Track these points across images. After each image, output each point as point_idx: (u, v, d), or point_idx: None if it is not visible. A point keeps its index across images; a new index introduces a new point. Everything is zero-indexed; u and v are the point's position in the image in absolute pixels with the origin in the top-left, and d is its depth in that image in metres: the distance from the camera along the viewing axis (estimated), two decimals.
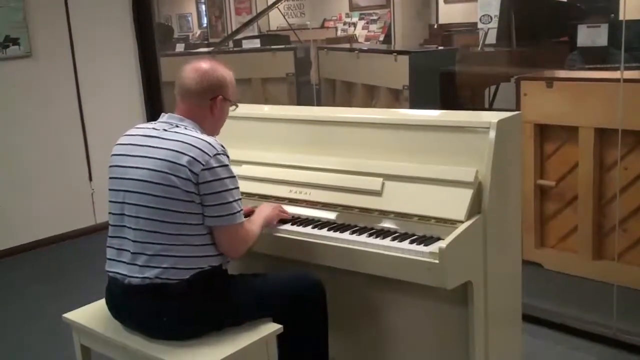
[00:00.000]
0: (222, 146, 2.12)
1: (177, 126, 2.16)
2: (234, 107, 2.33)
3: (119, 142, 2.23)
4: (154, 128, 2.18)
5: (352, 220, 2.36)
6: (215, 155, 2.06)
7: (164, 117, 2.23)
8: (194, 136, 2.11)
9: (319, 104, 7.13)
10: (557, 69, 4.56)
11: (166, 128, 2.16)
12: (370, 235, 2.24)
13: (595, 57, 4.38)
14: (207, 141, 2.09)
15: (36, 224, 4.78)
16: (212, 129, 2.25)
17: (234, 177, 2.12)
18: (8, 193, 4.65)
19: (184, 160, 2.03)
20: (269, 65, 6.98)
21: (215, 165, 2.05)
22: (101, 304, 2.31)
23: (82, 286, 3.84)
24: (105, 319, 2.26)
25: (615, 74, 3.23)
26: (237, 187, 2.13)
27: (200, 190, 2.05)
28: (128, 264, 2.10)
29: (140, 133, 2.20)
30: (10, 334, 3.51)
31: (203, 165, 2.04)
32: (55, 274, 4.30)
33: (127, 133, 2.24)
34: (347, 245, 2.23)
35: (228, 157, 2.13)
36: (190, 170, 2.03)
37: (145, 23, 5.18)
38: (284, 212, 2.46)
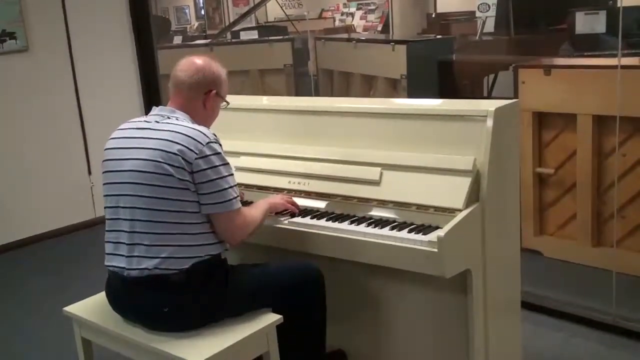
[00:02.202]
0: (215, 135, 2.13)
1: (168, 117, 2.17)
2: (225, 104, 2.34)
3: (112, 136, 2.24)
4: (145, 121, 2.20)
5: (351, 210, 2.36)
6: (208, 143, 2.07)
7: (155, 110, 2.24)
8: (186, 126, 2.12)
9: (317, 95, 7.12)
10: (556, 56, 4.55)
11: (158, 120, 2.17)
12: (368, 224, 2.24)
13: (591, 45, 4.37)
14: (199, 130, 2.10)
15: (36, 218, 4.78)
16: (203, 122, 2.25)
17: (227, 164, 2.13)
18: (7, 187, 4.65)
19: (176, 148, 2.04)
20: (266, 56, 6.96)
21: (208, 153, 2.06)
22: (101, 297, 2.31)
23: (82, 279, 3.84)
24: (105, 312, 2.26)
25: (613, 61, 3.23)
26: (232, 174, 2.14)
27: (195, 178, 2.05)
28: (126, 256, 2.11)
29: (132, 126, 2.21)
30: (11, 327, 3.52)
31: (196, 153, 2.04)
32: (55, 267, 4.31)
33: (120, 127, 2.25)
34: (346, 235, 2.24)
35: (221, 145, 2.13)
36: (183, 158, 2.03)
37: (142, 16, 5.17)
38: (293, 203, 2.44)
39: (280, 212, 2.42)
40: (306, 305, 2.27)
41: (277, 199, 2.42)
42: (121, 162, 2.13)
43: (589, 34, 4.36)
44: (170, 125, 2.12)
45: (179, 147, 2.04)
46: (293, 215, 2.41)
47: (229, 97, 2.37)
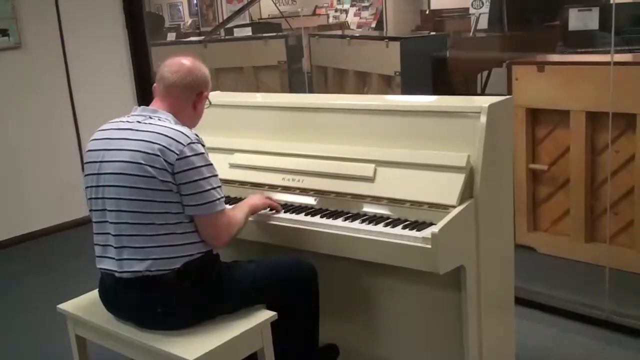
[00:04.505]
0: (197, 135, 2.11)
1: (150, 117, 2.14)
2: (207, 103, 2.32)
3: (93, 137, 2.21)
4: (127, 121, 2.16)
5: (345, 206, 2.36)
6: (189, 144, 2.05)
7: (136, 110, 2.21)
8: (166, 126, 2.09)
9: (311, 92, 7.11)
10: (549, 53, 4.56)
11: (140, 120, 2.14)
12: (363, 221, 2.24)
13: (585, 41, 4.38)
14: (180, 131, 2.08)
15: (29, 216, 4.77)
16: (191, 123, 2.24)
17: (210, 165, 2.10)
18: (0, 185, 4.63)
19: (156, 149, 2.02)
20: (260, 53, 6.96)
21: (189, 154, 2.04)
22: (95, 294, 2.31)
23: (75, 277, 3.83)
24: (100, 309, 2.26)
25: (606, 57, 3.24)
26: (215, 175, 2.12)
27: (177, 179, 2.03)
28: (116, 259, 2.09)
29: (114, 127, 2.18)
30: (5, 325, 3.51)
31: (177, 154, 2.02)
32: (48, 265, 4.30)
33: (101, 128, 2.22)
34: (340, 231, 2.24)
35: (203, 145, 2.11)
36: (164, 159, 2.01)
37: (135, 13, 5.15)
38: (273, 202, 2.44)
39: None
40: (300, 301, 2.27)
41: (256, 200, 2.39)
42: (103, 165, 2.11)
43: (582, 30, 4.38)
44: (152, 125, 2.10)
45: (159, 147, 2.02)
46: (276, 210, 2.41)
47: (220, 94, 2.37)
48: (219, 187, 2.12)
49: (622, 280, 3.23)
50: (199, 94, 2.24)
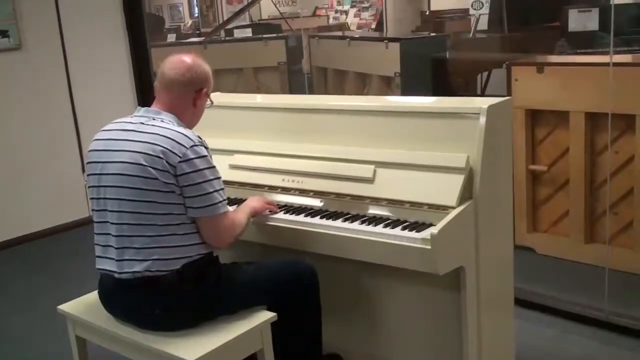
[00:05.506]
0: (199, 137, 2.11)
1: (153, 119, 2.14)
2: (209, 103, 2.32)
3: (96, 137, 2.21)
4: (130, 122, 2.16)
5: (345, 207, 2.37)
6: (192, 146, 2.05)
7: (140, 111, 2.21)
8: (169, 128, 2.09)
9: (310, 93, 7.11)
10: (549, 53, 4.57)
11: (143, 121, 2.14)
12: (362, 222, 2.24)
13: (585, 42, 4.39)
14: (183, 133, 2.08)
15: (29, 217, 4.77)
16: (191, 121, 2.25)
17: (213, 167, 2.10)
18: (0, 186, 4.63)
19: (159, 150, 2.02)
20: (260, 54, 6.96)
21: (192, 156, 2.04)
22: (95, 295, 2.31)
23: (75, 278, 3.83)
24: (99, 310, 2.26)
25: (605, 58, 3.24)
26: (218, 177, 2.12)
27: (180, 182, 2.03)
28: (116, 260, 2.09)
29: (117, 127, 2.18)
30: (5, 325, 3.51)
31: (180, 157, 2.02)
32: (49, 266, 4.30)
33: (104, 128, 2.22)
34: (340, 232, 2.24)
35: (206, 147, 2.11)
36: (166, 161, 2.01)
37: (135, 13, 5.15)
38: (272, 204, 2.45)
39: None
40: (300, 302, 2.27)
41: (256, 202, 2.39)
42: (106, 165, 2.11)
43: (581, 31, 4.38)
44: (155, 127, 2.10)
45: (162, 149, 2.02)
46: (273, 212, 2.42)
47: (220, 95, 2.36)
48: (222, 189, 2.12)
49: (622, 280, 3.24)
50: (198, 91, 2.23)
